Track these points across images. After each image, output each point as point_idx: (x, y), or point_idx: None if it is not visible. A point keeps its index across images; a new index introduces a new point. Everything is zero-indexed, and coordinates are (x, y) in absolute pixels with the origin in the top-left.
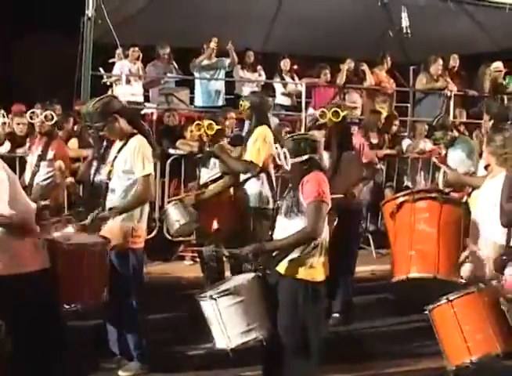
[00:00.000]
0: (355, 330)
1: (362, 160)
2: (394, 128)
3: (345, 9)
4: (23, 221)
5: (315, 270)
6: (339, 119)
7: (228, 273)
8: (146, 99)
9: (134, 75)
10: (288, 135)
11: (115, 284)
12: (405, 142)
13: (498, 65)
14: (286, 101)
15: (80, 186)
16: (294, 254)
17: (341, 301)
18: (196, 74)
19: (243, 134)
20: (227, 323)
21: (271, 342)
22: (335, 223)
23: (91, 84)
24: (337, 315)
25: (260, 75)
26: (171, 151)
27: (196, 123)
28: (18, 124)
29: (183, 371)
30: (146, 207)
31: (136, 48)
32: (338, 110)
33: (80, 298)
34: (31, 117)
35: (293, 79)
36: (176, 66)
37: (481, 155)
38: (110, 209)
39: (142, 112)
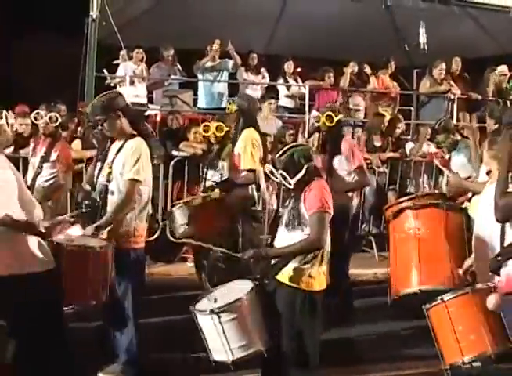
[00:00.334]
0: (357, 334)
1: (350, 165)
2: (398, 131)
3: (348, 11)
4: (29, 221)
5: (314, 279)
6: (332, 123)
7: None
8: (150, 100)
9: (138, 77)
10: (277, 154)
11: (114, 284)
12: (409, 146)
13: (503, 69)
14: (290, 103)
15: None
16: (293, 263)
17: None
18: (200, 76)
19: None
20: (228, 337)
21: (269, 350)
22: None
23: (95, 86)
24: None
25: (264, 77)
26: (175, 153)
27: (204, 124)
28: (21, 124)
29: None
30: (147, 207)
31: (140, 50)
32: (332, 114)
33: (82, 299)
34: (35, 118)
35: (296, 81)
36: (180, 67)
37: (482, 160)
38: (97, 227)
39: (146, 114)
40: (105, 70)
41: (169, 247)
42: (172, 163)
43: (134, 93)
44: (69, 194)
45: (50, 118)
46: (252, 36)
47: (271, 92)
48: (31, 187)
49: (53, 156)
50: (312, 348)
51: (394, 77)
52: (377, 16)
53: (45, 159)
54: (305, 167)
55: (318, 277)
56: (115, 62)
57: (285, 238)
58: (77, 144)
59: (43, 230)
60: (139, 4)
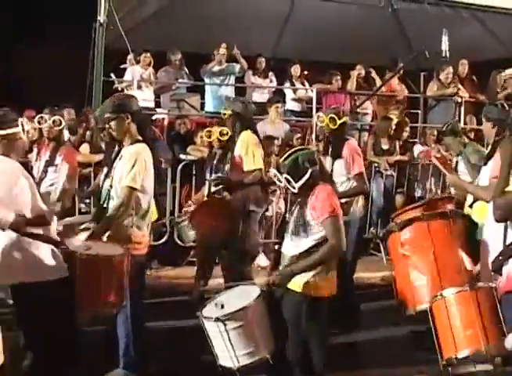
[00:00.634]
0: (364, 338)
1: (350, 171)
2: (405, 134)
3: (355, 15)
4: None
5: (322, 286)
6: (336, 126)
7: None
8: (157, 104)
9: (145, 81)
10: (282, 158)
11: None
12: (417, 149)
13: (510, 72)
14: (297, 107)
15: None
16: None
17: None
18: (207, 80)
19: None
20: (234, 344)
21: (274, 356)
22: None
23: (102, 90)
24: None
25: (271, 81)
26: (182, 157)
27: (206, 130)
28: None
29: None
30: (148, 215)
31: (148, 54)
32: (335, 116)
33: (98, 307)
34: (39, 122)
35: (303, 85)
36: (187, 71)
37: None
38: (93, 232)
39: (153, 118)
40: (112, 75)
41: (177, 251)
42: (180, 167)
43: (141, 97)
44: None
45: (54, 122)
46: (259, 40)
47: (277, 96)
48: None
49: (58, 160)
50: (318, 355)
51: (402, 81)
52: (384, 20)
53: (49, 163)
54: (310, 171)
55: (326, 283)
56: (122, 66)
57: (291, 245)
58: (85, 148)
59: (57, 238)
60: (146, 8)
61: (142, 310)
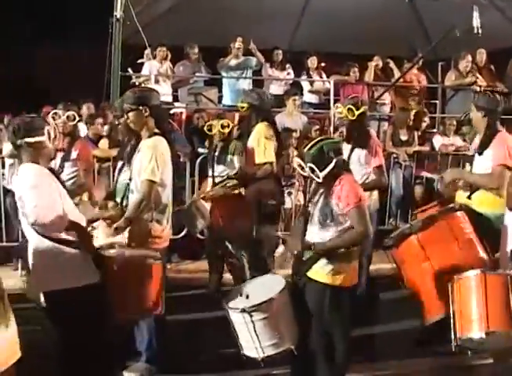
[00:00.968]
0: (377, 330)
1: (370, 163)
2: (424, 124)
3: (372, 5)
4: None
5: (344, 275)
6: (354, 117)
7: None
8: (175, 98)
9: (162, 75)
10: (306, 147)
11: None
12: (436, 139)
13: None
14: (314, 99)
15: None
16: (323, 260)
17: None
18: (224, 74)
19: None
20: (259, 335)
21: (299, 347)
22: None
23: (120, 85)
24: None
25: (289, 74)
26: (201, 150)
27: (207, 124)
28: None
29: (194, 372)
30: (168, 210)
31: (163, 48)
32: (352, 107)
33: (133, 312)
34: (53, 118)
35: (320, 77)
36: (205, 65)
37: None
38: (116, 227)
39: (171, 112)
40: (129, 69)
41: (196, 245)
42: (198, 160)
43: (159, 92)
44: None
45: (68, 117)
46: (276, 32)
47: (295, 88)
48: None
49: (73, 154)
50: (342, 345)
51: (421, 71)
52: (401, 9)
53: (65, 158)
54: (334, 160)
55: (348, 273)
56: (140, 61)
57: (316, 235)
58: (104, 143)
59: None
60: (163, 3)
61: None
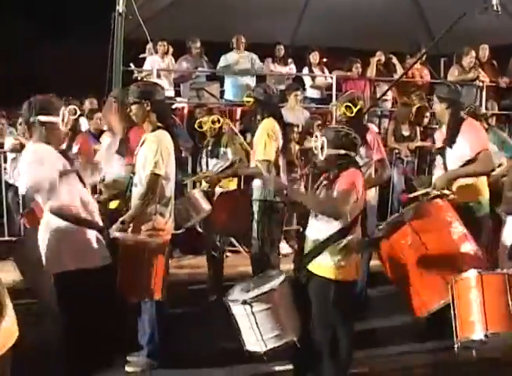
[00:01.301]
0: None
1: (372, 157)
2: (426, 120)
3: (374, 0)
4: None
5: (346, 270)
6: (352, 114)
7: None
8: (178, 93)
9: (164, 70)
10: (331, 126)
11: None
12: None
13: None
14: (316, 94)
15: None
16: (325, 254)
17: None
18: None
19: None
20: (261, 327)
21: (301, 341)
22: None
23: (122, 80)
24: None
25: (291, 69)
26: None
27: (197, 121)
28: None
29: (196, 367)
30: (170, 202)
31: (164, 43)
32: (350, 104)
33: (139, 294)
34: None
35: (323, 72)
36: (207, 59)
37: None
38: (122, 221)
39: (173, 107)
40: (131, 64)
41: (198, 240)
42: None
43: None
44: None
45: (69, 111)
46: (278, 27)
47: (296, 83)
48: None
49: (74, 149)
50: (345, 340)
51: (424, 65)
52: (403, 5)
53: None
54: (345, 152)
55: (350, 268)
56: (142, 56)
57: (315, 229)
58: (105, 138)
59: (101, 224)
60: None
61: (165, 298)
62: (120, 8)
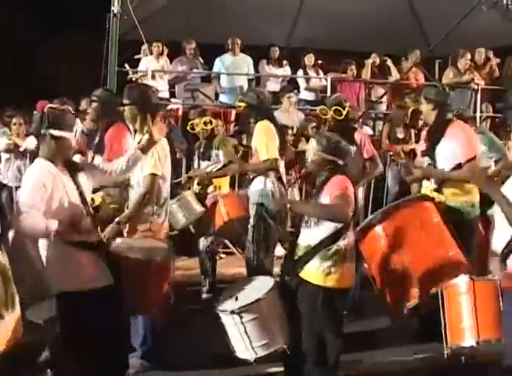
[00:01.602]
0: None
1: (363, 156)
2: (421, 122)
3: (369, 2)
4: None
5: (337, 278)
6: (342, 117)
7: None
8: (172, 94)
9: (159, 71)
10: (324, 132)
11: None
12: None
13: None
14: (311, 96)
15: None
16: (317, 261)
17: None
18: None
19: None
20: (250, 336)
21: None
22: None
23: (117, 81)
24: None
25: (285, 71)
26: None
27: (190, 123)
28: None
29: (189, 369)
30: (166, 203)
31: (159, 44)
32: (340, 108)
33: (145, 308)
34: None
35: (317, 74)
36: (202, 61)
37: None
38: (118, 222)
39: (168, 108)
40: (126, 65)
41: (192, 241)
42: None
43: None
44: None
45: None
46: (273, 29)
47: (291, 85)
48: None
49: None
50: (334, 347)
51: (418, 68)
52: (398, 7)
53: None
54: (333, 158)
55: (341, 275)
56: (137, 57)
57: (305, 235)
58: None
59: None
60: None
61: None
62: (115, 9)
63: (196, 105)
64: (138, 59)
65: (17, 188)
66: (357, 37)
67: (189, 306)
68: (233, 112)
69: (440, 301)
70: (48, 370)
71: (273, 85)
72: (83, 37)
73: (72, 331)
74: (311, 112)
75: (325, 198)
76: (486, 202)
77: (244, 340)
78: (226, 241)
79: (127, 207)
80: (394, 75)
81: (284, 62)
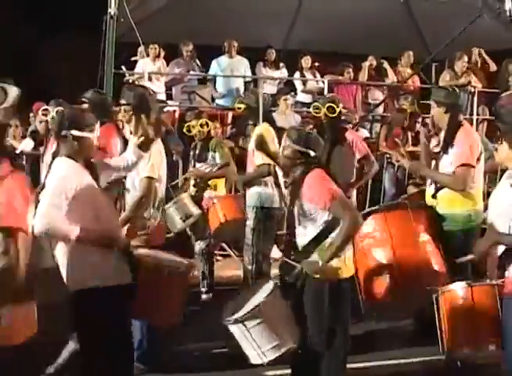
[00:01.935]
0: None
1: (355, 155)
2: (418, 125)
3: (367, 6)
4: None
5: (339, 267)
6: (335, 114)
7: None
8: (169, 97)
9: (156, 73)
10: (295, 126)
11: None
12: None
13: None
14: (308, 98)
15: None
16: (314, 255)
17: None
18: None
19: None
20: (258, 341)
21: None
22: None
23: (113, 83)
24: None
25: (282, 73)
26: None
27: (186, 125)
28: (40, 122)
29: (188, 371)
30: (161, 205)
31: (155, 46)
32: (333, 105)
33: (155, 317)
34: (44, 114)
35: (314, 76)
36: (199, 63)
37: None
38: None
39: (165, 110)
40: (123, 67)
41: (189, 243)
42: None
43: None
44: None
45: (56, 112)
46: (270, 31)
47: (287, 88)
48: (44, 185)
49: None
50: (342, 339)
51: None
52: (396, 10)
53: (55, 155)
54: (305, 150)
55: (343, 265)
56: (133, 58)
57: (301, 235)
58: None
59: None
60: (157, 0)
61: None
62: (112, 10)
63: (193, 107)
64: (135, 61)
65: None
66: (354, 39)
67: (189, 307)
68: (230, 114)
69: (435, 306)
70: None
71: (270, 87)
72: (81, 38)
73: (84, 328)
74: (307, 114)
75: (306, 199)
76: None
77: (253, 346)
78: (224, 244)
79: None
80: (391, 78)
81: (281, 64)
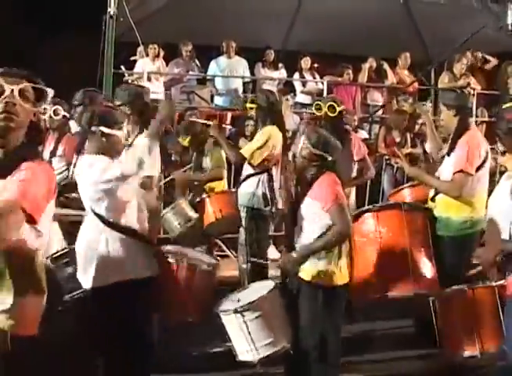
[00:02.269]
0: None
1: (353, 157)
2: (417, 126)
3: (366, 7)
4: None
5: (334, 274)
6: (335, 114)
7: None
8: (168, 97)
9: (155, 73)
10: (315, 128)
11: None
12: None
13: None
14: (307, 99)
15: None
16: (313, 260)
17: None
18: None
19: None
20: (253, 335)
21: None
22: None
23: (112, 82)
24: None
25: (281, 74)
26: None
27: (182, 137)
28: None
29: (188, 372)
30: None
31: (155, 46)
32: (334, 104)
33: (181, 314)
34: (42, 113)
35: (314, 77)
36: (198, 63)
37: None
38: None
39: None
40: (122, 67)
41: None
42: None
43: (151, 89)
44: None
45: (54, 111)
46: (270, 32)
47: (287, 88)
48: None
49: (60, 150)
50: (334, 345)
51: (412, 73)
52: (395, 12)
53: (53, 154)
54: (322, 153)
55: (338, 272)
56: (133, 58)
57: (301, 236)
58: None
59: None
60: (156, 0)
61: None
62: (112, 10)
63: (192, 107)
64: (135, 61)
65: None
66: (353, 40)
67: None
68: (229, 114)
69: (432, 308)
70: None
71: (269, 88)
72: (81, 38)
73: (106, 321)
74: (307, 115)
75: (313, 198)
76: None
77: (247, 340)
78: (222, 244)
79: None
80: (391, 79)
81: (280, 65)
